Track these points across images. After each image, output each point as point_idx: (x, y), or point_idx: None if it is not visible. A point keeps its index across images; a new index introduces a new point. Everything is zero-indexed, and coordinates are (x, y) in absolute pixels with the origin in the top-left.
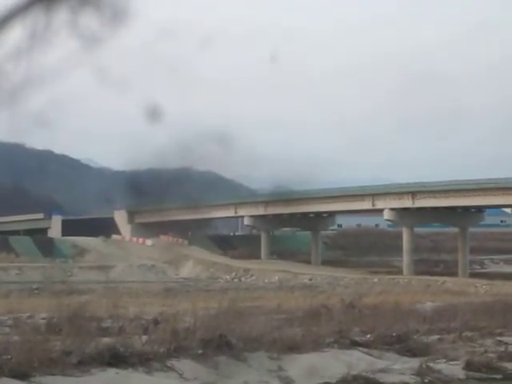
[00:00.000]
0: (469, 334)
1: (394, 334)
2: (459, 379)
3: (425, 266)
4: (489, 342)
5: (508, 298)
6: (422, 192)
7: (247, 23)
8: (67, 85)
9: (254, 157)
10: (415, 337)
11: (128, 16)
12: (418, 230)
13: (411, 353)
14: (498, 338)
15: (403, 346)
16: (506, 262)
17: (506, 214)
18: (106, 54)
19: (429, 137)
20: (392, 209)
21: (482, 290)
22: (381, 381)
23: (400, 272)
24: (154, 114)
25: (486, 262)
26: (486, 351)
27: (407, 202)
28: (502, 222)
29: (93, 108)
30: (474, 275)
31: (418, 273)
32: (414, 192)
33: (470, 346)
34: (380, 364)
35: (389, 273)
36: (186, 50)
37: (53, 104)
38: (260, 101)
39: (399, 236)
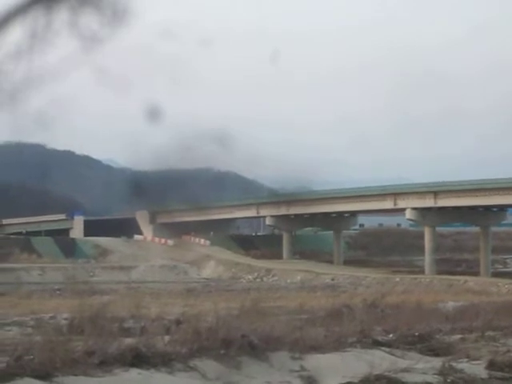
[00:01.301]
0: (491, 333)
1: (417, 334)
2: (482, 379)
3: (447, 266)
4: (511, 341)
5: None
6: (444, 191)
7: (247, 24)
8: (73, 84)
9: (256, 156)
10: (437, 336)
11: (128, 16)
12: (440, 229)
13: (433, 352)
14: None
15: (425, 345)
16: None
17: None
18: (106, 54)
19: (430, 137)
20: (414, 208)
21: (505, 289)
22: (403, 380)
23: (422, 271)
24: (155, 113)
25: (508, 261)
26: (508, 350)
27: (429, 202)
28: None
29: (103, 108)
30: (496, 274)
31: (440, 272)
32: (436, 191)
33: (493, 346)
34: (402, 363)
35: (411, 272)
36: (186, 50)
37: (59, 104)
38: (260, 101)
39: (421, 235)
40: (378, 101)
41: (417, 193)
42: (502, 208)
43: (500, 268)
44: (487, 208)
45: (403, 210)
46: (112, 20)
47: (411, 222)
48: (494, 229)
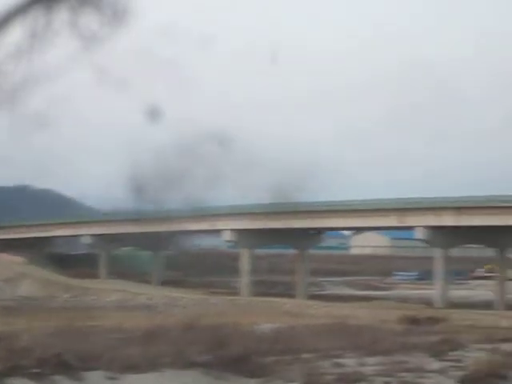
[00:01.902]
0: (307, 355)
1: (233, 355)
2: None
3: (264, 288)
4: (327, 363)
5: (346, 319)
6: (262, 213)
7: (249, 26)
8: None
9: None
10: (253, 358)
11: (128, 16)
12: (258, 251)
13: (249, 374)
14: (336, 360)
15: (241, 366)
16: (346, 284)
17: (346, 236)
18: (105, 55)
19: (432, 154)
20: (232, 230)
21: (321, 311)
22: None
23: (239, 293)
24: (155, 115)
25: (325, 284)
26: (323, 373)
27: (246, 224)
28: (341, 244)
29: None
30: (313, 297)
31: (257, 294)
32: (253, 213)
33: (308, 368)
34: None
35: (228, 293)
36: (186, 52)
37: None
38: (260, 105)
39: (239, 257)
40: (380, 115)
41: (235, 214)
42: (319, 231)
43: (317, 291)
44: (304, 231)
45: (222, 231)
46: (112, 20)
47: (229, 244)
48: (312, 252)
